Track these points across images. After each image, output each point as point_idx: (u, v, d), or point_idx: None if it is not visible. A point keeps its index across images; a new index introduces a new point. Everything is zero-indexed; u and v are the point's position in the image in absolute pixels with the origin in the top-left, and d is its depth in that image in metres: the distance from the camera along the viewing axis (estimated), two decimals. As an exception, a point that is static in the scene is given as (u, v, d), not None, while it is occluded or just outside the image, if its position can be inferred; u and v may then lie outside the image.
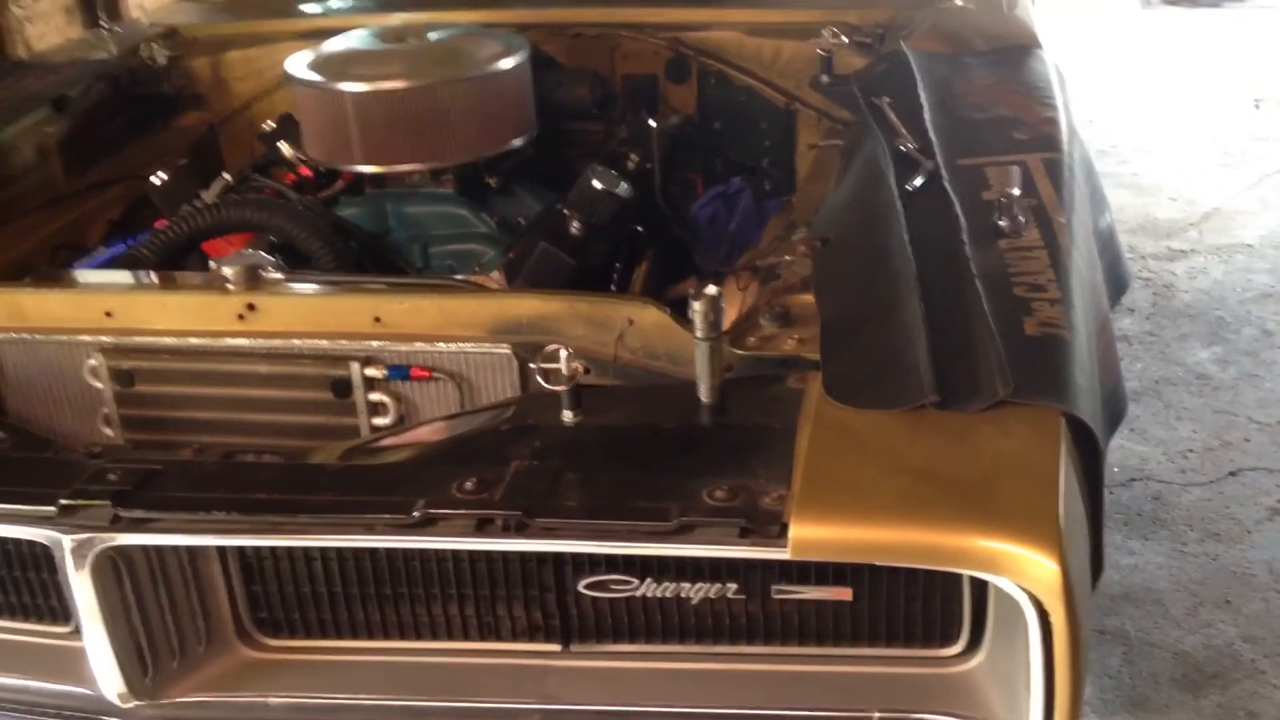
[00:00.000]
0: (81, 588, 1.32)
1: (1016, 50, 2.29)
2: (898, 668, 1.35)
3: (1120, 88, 6.19)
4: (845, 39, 2.38)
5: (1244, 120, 5.76)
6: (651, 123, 2.43)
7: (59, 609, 1.44)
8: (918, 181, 1.74)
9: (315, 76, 2.23)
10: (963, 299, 1.45)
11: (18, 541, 1.38)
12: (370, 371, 1.66)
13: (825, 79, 2.36)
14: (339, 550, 1.37)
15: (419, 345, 1.66)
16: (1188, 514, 3.05)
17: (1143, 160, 5.34)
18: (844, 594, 1.33)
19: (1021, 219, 1.62)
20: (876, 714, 1.32)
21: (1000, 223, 1.62)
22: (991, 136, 1.92)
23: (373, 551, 1.36)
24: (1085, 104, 4.72)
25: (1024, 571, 1.14)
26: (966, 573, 1.23)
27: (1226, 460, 3.26)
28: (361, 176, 2.30)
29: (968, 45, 2.32)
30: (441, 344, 1.65)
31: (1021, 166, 1.75)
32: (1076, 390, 1.34)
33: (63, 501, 1.31)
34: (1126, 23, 7.47)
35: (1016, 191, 1.65)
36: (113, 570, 1.33)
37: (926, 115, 1.92)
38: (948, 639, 1.35)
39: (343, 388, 1.68)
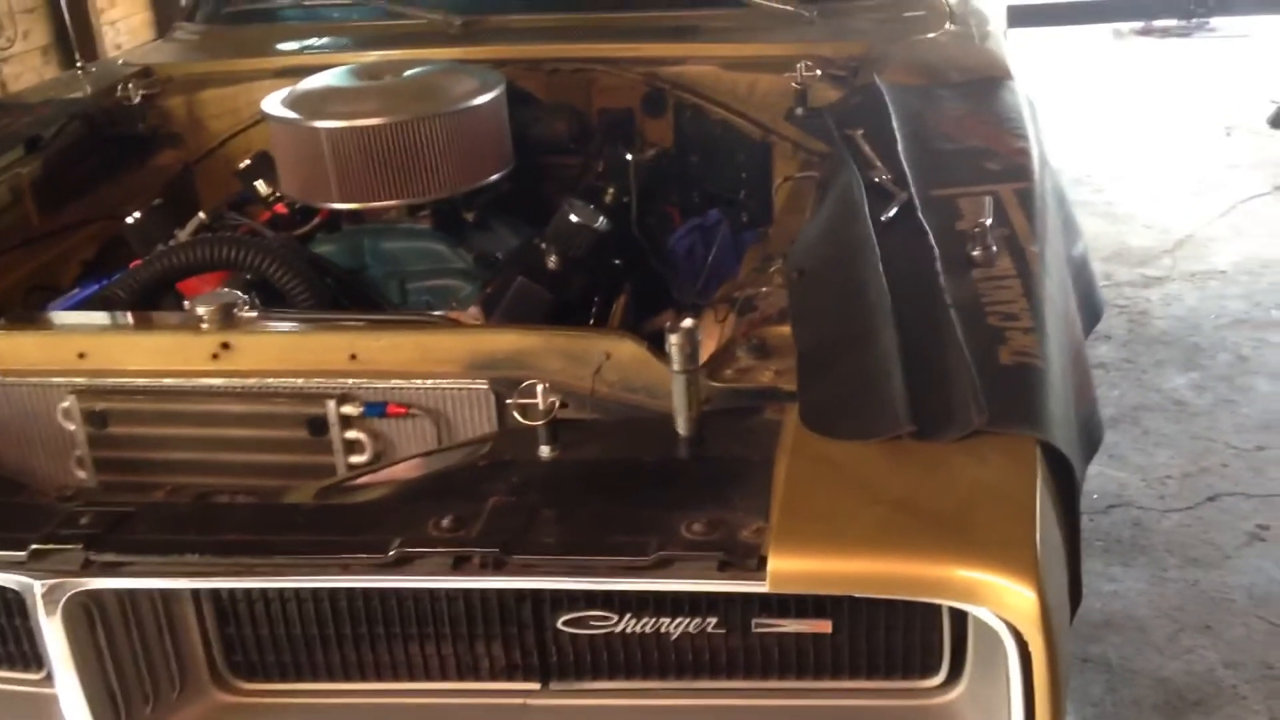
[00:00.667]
0: (53, 634, 1.30)
1: (989, 82, 2.31)
2: (879, 700, 1.35)
3: (1093, 117, 6.26)
4: (819, 72, 2.40)
5: (1216, 148, 5.83)
6: (628, 156, 2.44)
7: (31, 655, 1.42)
8: (891, 212, 1.75)
9: (291, 114, 2.23)
10: (937, 329, 1.46)
11: (-11, 587, 1.36)
12: (346, 409, 1.66)
13: (800, 112, 2.38)
14: (314, 591, 1.35)
15: (396, 382, 1.65)
16: (1167, 540, 3.06)
17: (1117, 189, 5.40)
18: (824, 626, 1.32)
19: (994, 249, 1.63)
20: (858, 747, 1.32)
21: (973, 253, 1.63)
22: (964, 167, 1.94)
23: (349, 591, 1.35)
24: (1059, 133, 4.77)
25: (1002, 601, 1.14)
26: (945, 603, 1.22)
27: (1205, 486, 3.27)
28: (338, 213, 2.30)
29: (941, 77, 2.34)
30: (418, 380, 1.64)
31: (994, 197, 1.76)
32: (1051, 418, 1.34)
33: (34, 546, 1.29)
34: (1099, 53, 7.57)
35: (989, 221, 1.66)
36: (85, 615, 1.31)
37: (900, 147, 1.94)
38: (928, 670, 1.34)
39: (319, 426, 1.67)
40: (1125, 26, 7.94)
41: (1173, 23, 7.80)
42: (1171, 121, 6.19)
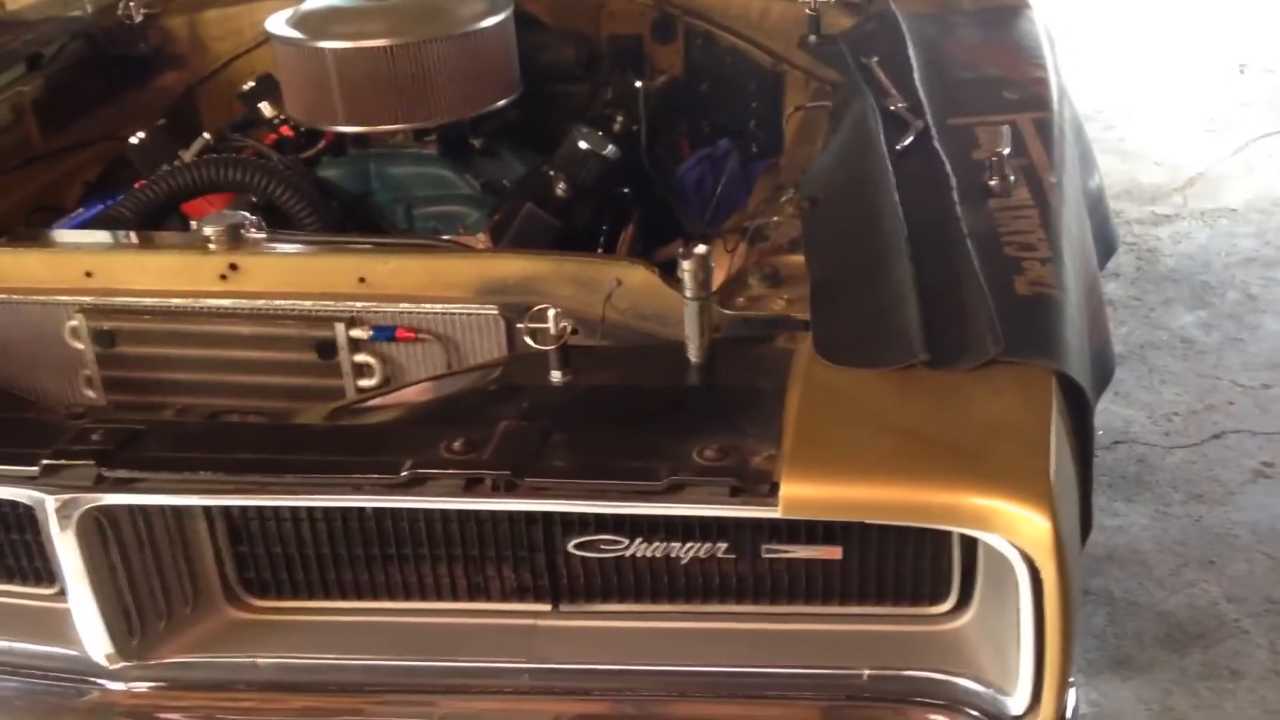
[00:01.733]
0: (66, 548, 1.31)
1: (1006, 10, 2.28)
2: (887, 626, 1.35)
3: (1106, 53, 6.17)
4: (833, -1, 2.36)
5: (1229, 86, 5.75)
6: (637, 84, 2.40)
7: (44, 570, 1.42)
8: (907, 141, 1.73)
9: (296, 34, 2.20)
10: (953, 258, 1.45)
11: (1, 502, 1.37)
12: (355, 332, 1.65)
13: (813, 39, 2.34)
14: (326, 510, 1.35)
15: (404, 306, 1.64)
16: (1172, 476, 3.07)
17: (1128, 125, 5.33)
18: (834, 553, 1.32)
19: (1012, 178, 1.62)
20: (866, 672, 1.33)
21: (990, 182, 1.61)
22: (981, 96, 1.91)
23: (360, 511, 1.35)
24: (1071, 68, 4.71)
25: (1015, 529, 1.14)
26: (957, 530, 1.22)
27: (1210, 423, 3.27)
28: (343, 137, 2.28)
29: (956, 5, 2.31)
30: (427, 305, 1.64)
31: (1012, 126, 1.75)
32: (1067, 349, 1.33)
33: (46, 461, 1.29)
34: (1112, -13, 7.45)
35: (1007, 151, 1.64)
36: (97, 531, 1.32)
37: (916, 75, 1.91)
38: (937, 597, 1.35)
39: (327, 349, 1.66)
40: (1140, -39, 7.83)
41: (1188, -42, 7.69)
42: (1185, 59, 6.10)
